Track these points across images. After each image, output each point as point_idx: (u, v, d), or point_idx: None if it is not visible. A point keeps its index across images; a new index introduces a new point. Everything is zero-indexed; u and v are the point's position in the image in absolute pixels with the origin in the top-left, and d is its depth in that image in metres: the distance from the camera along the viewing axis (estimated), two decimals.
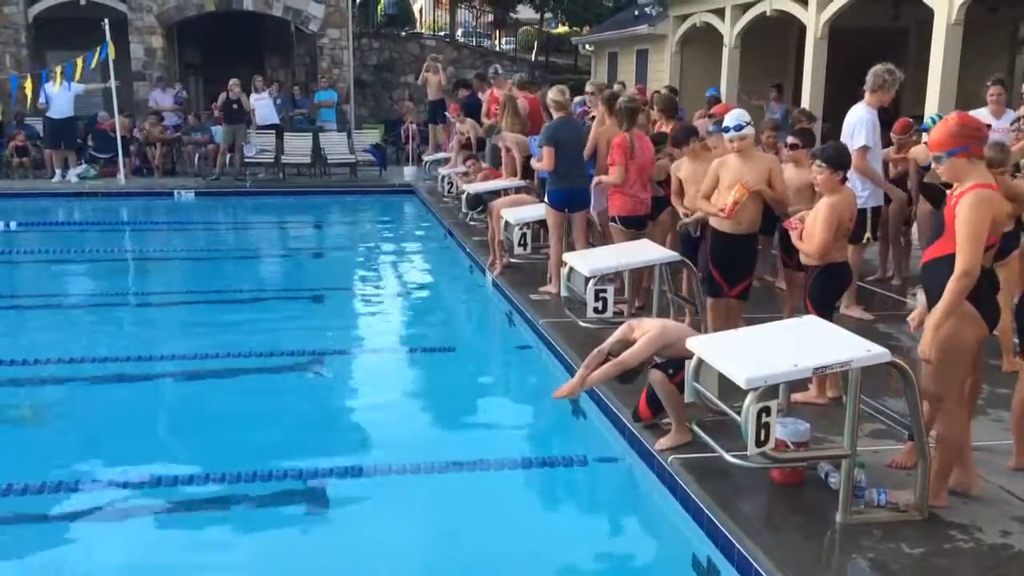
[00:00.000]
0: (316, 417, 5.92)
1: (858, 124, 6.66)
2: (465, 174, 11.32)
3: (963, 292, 3.63)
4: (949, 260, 3.68)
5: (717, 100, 11.41)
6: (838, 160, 4.89)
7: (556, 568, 4.11)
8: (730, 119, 5.55)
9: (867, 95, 6.69)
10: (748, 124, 5.49)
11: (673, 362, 4.51)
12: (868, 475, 4.00)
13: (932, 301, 3.84)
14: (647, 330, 4.58)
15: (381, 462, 5.07)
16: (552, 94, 7.96)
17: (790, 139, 6.36)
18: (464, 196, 10.52)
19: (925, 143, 7.59)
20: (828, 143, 5.52)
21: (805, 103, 12.29)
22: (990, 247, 3.76)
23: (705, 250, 5.94)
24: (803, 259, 5.09)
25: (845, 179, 4.93)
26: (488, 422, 5.96)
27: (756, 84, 14.24)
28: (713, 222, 5.66)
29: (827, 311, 4.82)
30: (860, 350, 3.72)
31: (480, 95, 12.76)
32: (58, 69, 14.52)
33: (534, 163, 8.19)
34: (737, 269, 5.63)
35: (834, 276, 4.99)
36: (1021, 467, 4.28)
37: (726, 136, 5.59)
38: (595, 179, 7.39)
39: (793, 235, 5.07)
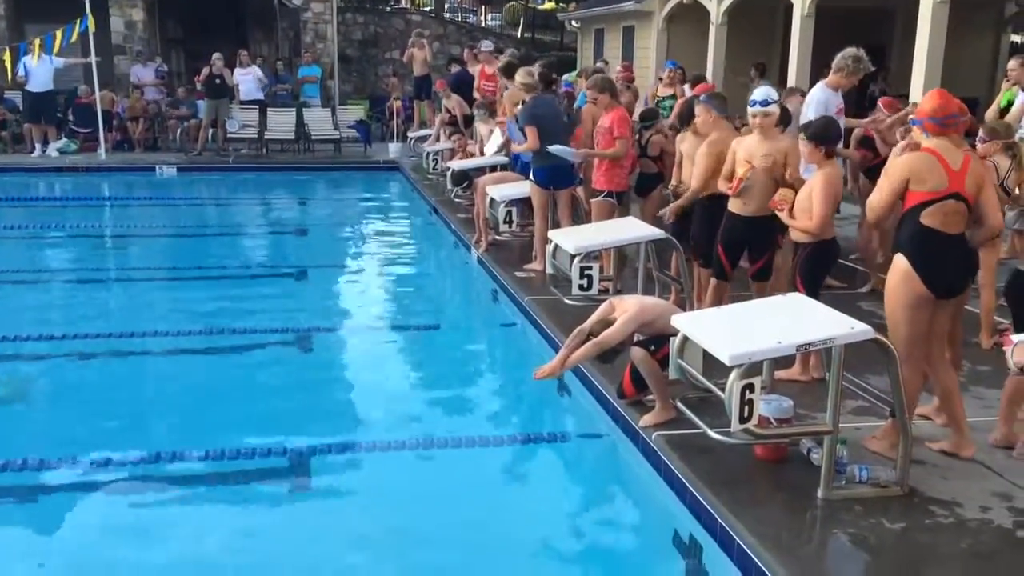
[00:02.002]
0: (300, 394, 5.90)
1: (808, 103, 6.61)
2: (451, 151, 11.28)
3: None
4: (905, 215, 4.04)
5: (701, 78, 11.30)
6: (817, 135, 4.88)
7: (540, 544, 4.12)
8: (758, 94, 5.48)
9: (829, 75, 6.63)
10: (775, 102, 5.40)
11: (655, 339, 4.52)
12: (850, 451, 4.03)
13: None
14: (626, 309, 4.58)
15: (365, 439, 5.08)
16: (520, 77, 7.88)
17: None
18: (449, 173, 10.49)
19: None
20: (817, 118, 5.47)
21: (791, 82, 12.27)
22: (924, 202, 3.92)
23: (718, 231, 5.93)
24: (794, 236, 5.07)
25: (831, 154, 4.91)
26: (472, 399, 5.96)
27: (742, 62, 14.21)
28: (729, 204, 5.62)
29: (816, 289, 4.82)
30: (843, 327, 3.73)
31: (471, 69, 12.66)
32: (37, 42, 14.30)
33: (515, 147, 8.14)
34: (740, 251, 5.56)
35: (825, 253, 4.96)
36: (999, 444, 4.33)
37: (750, 110, 5.49)
38: (585, 151, 7.32)
39: (782, 215, 5.03)
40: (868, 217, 4.27)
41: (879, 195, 4.13)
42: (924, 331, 4.05)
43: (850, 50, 6.56)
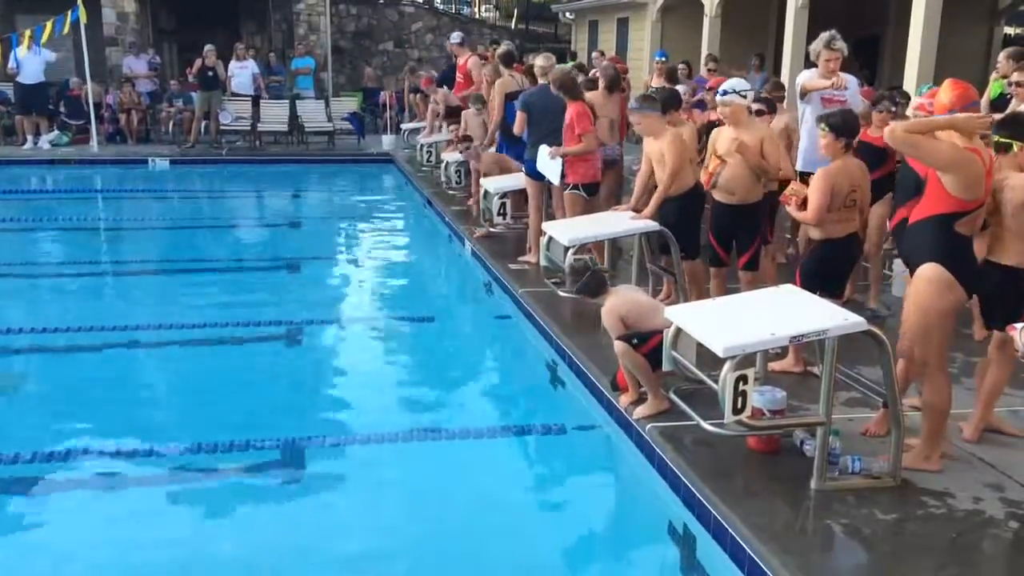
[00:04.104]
0: (293, 386, 5.89)
1: (796, 81, 6.69)
2: (449, 142, 11.25)
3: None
4: (936, 221, 3.79)
5: (673, 70, 11.24)
6: (842, 127, 4.76)
7: (533, 536, 4.13)
8: (724, 85, 5.54)
9: None
10: (734, 92, 5.42)
11: (638, 333, 4.52)
12: (842, 443, 4.04)
13: (915, 263, 3.90)
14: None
15: (359, 431, 5.07)
16: (539, 60, 7.99)
17: (755, 105, 6.31)
18: (444, 166, 10.47)
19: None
20: (836, 110, 5.43)
21: (785, 73, 12.26)
22: (964, 211, 3.77)
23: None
24: (810, 233, 5.02)
25: (850, 147, 4.78)
26: (467, 391, 5.96)
27: (737, 54, 14.19)
28: (715, 194, 5.63)
29: (814, 288, 4.56)
30: (837, 319, 3.74)
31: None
32: (27, 33, 14.21)
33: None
34: (730, 239, 5.60)
35: (832, 251, 4.79)
36: (978, 433, 4.35)
37: (717, 100, 5.59)
38: (555, 149, 7.13)
39: (790, 208, 4.97)
40: (895, 135, 3.72)
41: (927, 144, 3.69)
42: (950, 335, 3.97)
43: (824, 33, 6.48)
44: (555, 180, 7.20)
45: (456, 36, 12.07)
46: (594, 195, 7.18)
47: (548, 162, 7.18)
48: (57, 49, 14.96)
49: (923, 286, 3.83)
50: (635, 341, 4.49)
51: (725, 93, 5.44)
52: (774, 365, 5.06)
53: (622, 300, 4.79)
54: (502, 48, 9.85)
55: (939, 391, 3.92)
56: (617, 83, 8.12)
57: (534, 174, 7.57)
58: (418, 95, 15.61)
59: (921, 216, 3.88)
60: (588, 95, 8.08)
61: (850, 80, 6.73)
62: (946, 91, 3.93)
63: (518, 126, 7.58)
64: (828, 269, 4.84)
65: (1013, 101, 6.39)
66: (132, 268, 9.11)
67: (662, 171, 5.88)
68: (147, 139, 16.17)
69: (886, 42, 16.08)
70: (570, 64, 12.19)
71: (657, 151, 5.88)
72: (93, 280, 8.69)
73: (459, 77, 11.19)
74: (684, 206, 5.91)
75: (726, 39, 14.76)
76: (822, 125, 4.79)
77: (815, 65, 6.64)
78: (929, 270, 3.81)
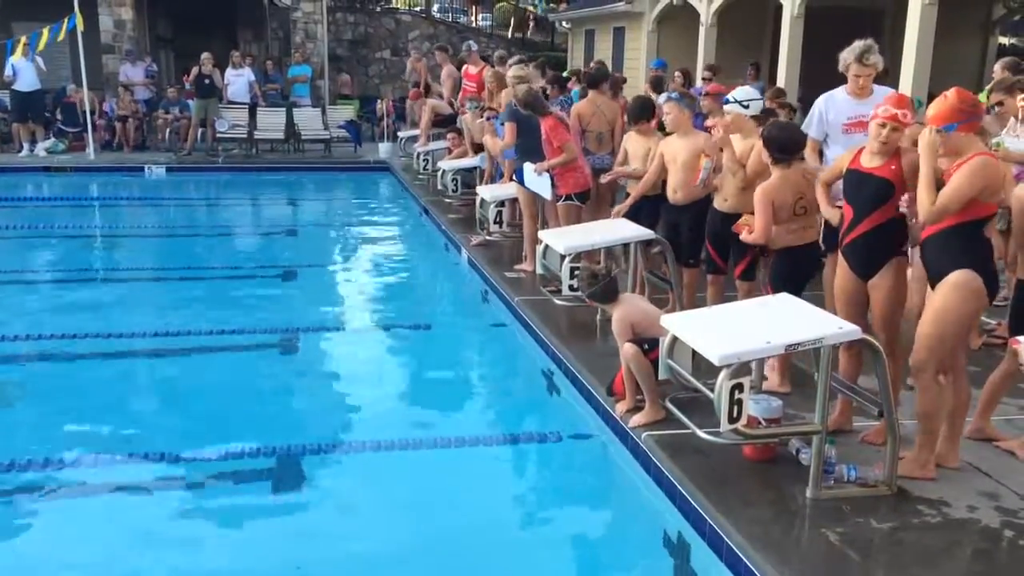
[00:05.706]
0: (289, 394, 5.88)
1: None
2: (448, 150, 11.27)
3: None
4: (967, 227, 3.77)
5: (661, 80, 11.27)
6: (768, 138, 4.78)
7: (529, 544, 4.12)
8: (731, 93, 5.60)
9: None
10: (733, 101, 5.44)
11: (648, 340, 4.53)
12: (838, 451, 4.04)
13: (941, 272, 3.85)
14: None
15: (355, 439, 5.07)
16: (513, 71, 8.03)
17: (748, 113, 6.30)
18: (439, 173, 10.47)
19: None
20: (778, 122, 5.44)
21: (780, 83, 12.31)
22: (990, 215, 3.79)
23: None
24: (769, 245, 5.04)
25: (780, 160, 4.75)
26: (462, 399, 5.95)
27: (732, 64, 14.23)
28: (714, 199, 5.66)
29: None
30: (832, 327, 3.75)
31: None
32: (22, 40, 14.22)
33: (497, 141, 8.22)
34: (725, 246, 5.56)
35: (792, 259, 4.81)
36: (973, 436, 4.36)
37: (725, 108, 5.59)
38: (539, 164, 7.11)
39: (743, 236, 4.92)
40: (932, 217, 3.78)
41: (956, 197, 3.72)
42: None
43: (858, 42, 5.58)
44: (547, 195, 7.21)
45: (473, 44, 12.18)
46: (588, 202, 7.19)
47: (536, 179, 7.21)
48: (54, 56, 14.94)
49: (949, 292, 3.80)
50: (646, 347, 4.51)
51: (727, 102, 5.49)
52: None
53: (635, 309, 4.81)
54: (512, 62, 9.80)
55: (931, 398, 3.92)
56: (618, 88, 8.19)
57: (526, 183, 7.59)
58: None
59: (947, 224, 3.81)
60: (596, 98, 7.97)
61: (884, 94, 5.40)
62: (948, 98, 3.87)
63: (508, 137, 7.56)
64: (791, 278, 4.74)
65: (994, 116, 6.35)
66: (128, 276, 9.09)
67: (676, 172, 5.90)
68: (143, 147, 16.17)
69: (881, 52, 16.13)
70: (565, 74, 12.21)
71: (679, 151, 5.87)
72: (88, 288, 8.67)
73: (471, 85, 11.23)
74: (699, 212, 5.84)
75: (722, 48, 14.81)
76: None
77: (844, 80, 5.58)
78: (959, 276, 3.78)
